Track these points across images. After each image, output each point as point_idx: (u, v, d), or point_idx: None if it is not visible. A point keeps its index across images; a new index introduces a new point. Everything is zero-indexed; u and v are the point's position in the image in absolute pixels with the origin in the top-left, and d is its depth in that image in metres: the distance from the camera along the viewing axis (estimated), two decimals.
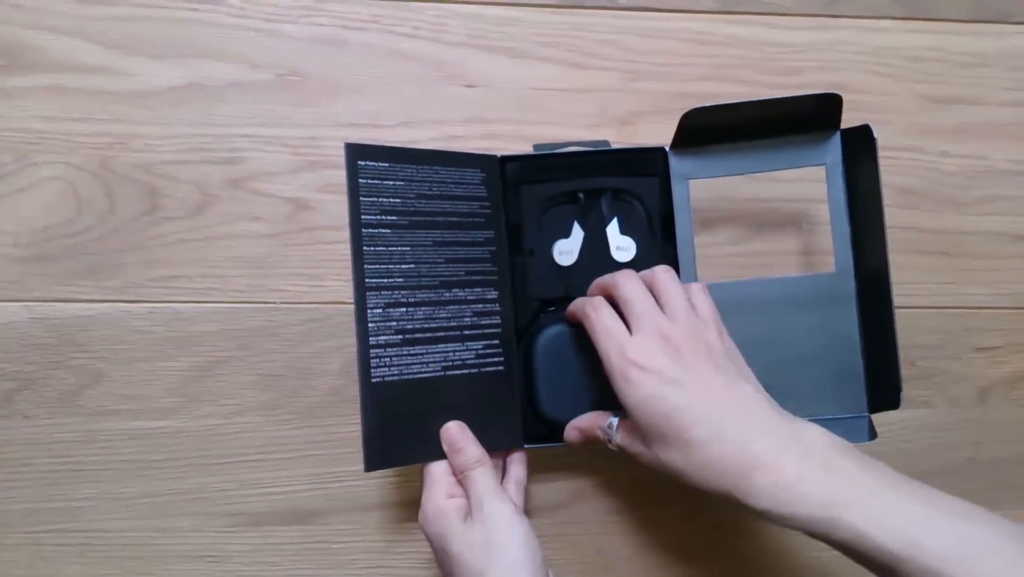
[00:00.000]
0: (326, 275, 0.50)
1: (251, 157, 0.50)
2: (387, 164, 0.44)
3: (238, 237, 0.49)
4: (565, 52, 0.52)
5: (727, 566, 0.52)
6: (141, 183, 0.49)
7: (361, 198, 0.43)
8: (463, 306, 0.45)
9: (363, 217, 0.43)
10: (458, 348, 0.45)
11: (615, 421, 0.43)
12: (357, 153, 0.43)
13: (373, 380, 0.42)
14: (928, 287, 0.53)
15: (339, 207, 0.50)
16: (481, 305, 0.46)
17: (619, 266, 0.47)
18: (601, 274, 0.44)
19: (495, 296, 0.47)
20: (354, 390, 0.49)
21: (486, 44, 0.52)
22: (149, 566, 0.49)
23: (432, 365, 0.44)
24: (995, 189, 0.54)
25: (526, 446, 0.47)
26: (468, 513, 0.42)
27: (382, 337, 0.43)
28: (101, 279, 0.49)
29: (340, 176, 0.49)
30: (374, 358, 0.43)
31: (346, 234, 0.49)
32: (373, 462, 0.43)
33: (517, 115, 0.52)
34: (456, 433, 0.44)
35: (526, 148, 0.51)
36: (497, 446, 0.45)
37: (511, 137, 0.51)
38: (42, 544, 0.48)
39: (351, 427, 0.49)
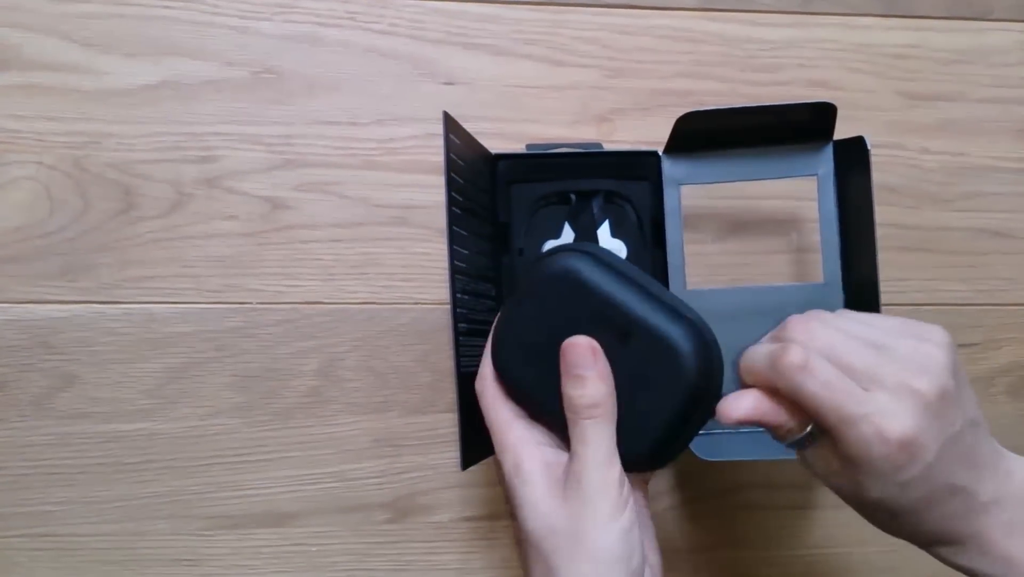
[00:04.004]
0: (303, 274, 0.49)
1: (226, 155, 0.49)
2: (460, 142, 0.42)
3: (213, 236, 0.49)
4: (545, 49, 0.52)
5: (720, 559, 0.51)
6: (115, 182, 0.48)
7: (452, 174, 0.40)
8: (484, 299, 0.44)
9: (452, 194, 0.40)
10: (481, 342, 0.43)
11: (816, 436, 0.34)
12: (450, 125, 0.40)
13: (461, 370, 0.39)
14: (908, 283, 0.53)
15: (315, 206, 0.49)
16: (489, 301, 0.45)
17: None
18: None
19: (494, 293, 0.46)
20: (331, 391, 0.49)
21: (465, 41, 0.51)
22: (125, 570, 0.48)
23: (475, 359, 0.41)
24: (975, 185, 0.54)
25: None
26: (558, 478, 0.34)
27: (462, 324, 0.40)
28: (74, 280, 0.48)
29: (315, 175, 0.49)
30: (462, 346, 0.40)
31: (322, 233, 0.49)
32: (469, 459, 0.40)
33: (497, 112, 0.51)
34: (584, 352, 0.35)
35: (506, 146, 0.50)
36: (484, 453, 0.44)
37: (491, 135, 0.51)
38: (15, 549, 0.47)
39: (329, 428, 0.49)
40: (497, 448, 0.37)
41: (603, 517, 0.33)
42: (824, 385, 0.32)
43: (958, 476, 0.33)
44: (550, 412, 0.37)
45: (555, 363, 0.36)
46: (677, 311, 0.35)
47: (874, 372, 0.32)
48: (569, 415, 0.35)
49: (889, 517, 0.34)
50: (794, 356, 0.33)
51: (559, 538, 0.33)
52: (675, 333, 0.35)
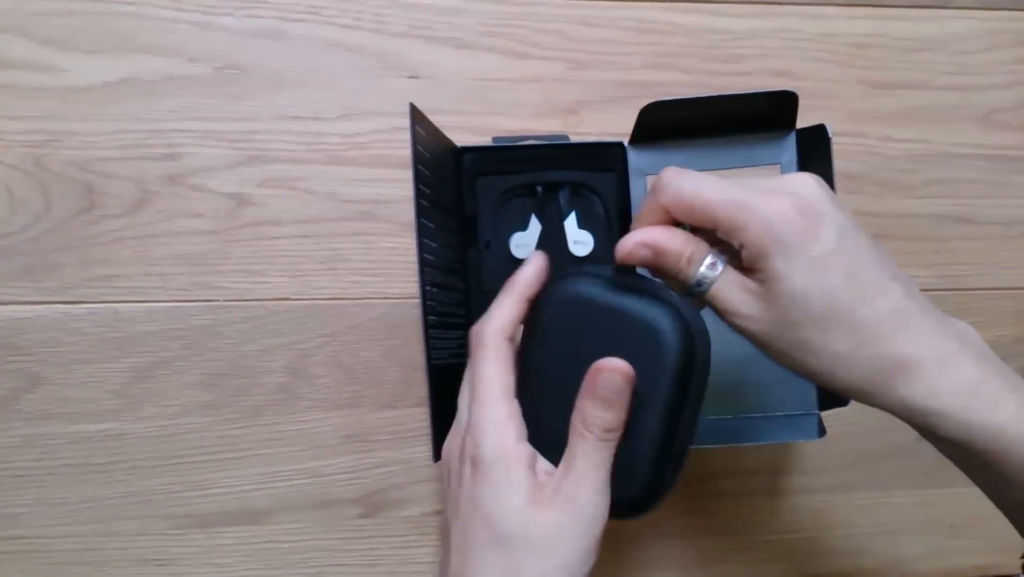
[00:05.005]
0: (269, 271, 0.49)
1: (189, 152, 0.49)
2: (426, 134, 0.41)
3: (178, 234, 0.48)
4: (508, 42, 0.52)
5: (692, 546, 0.52)
6: (77, 181, 0.48)
7: (419, 166, 0.39)
8: (452, 293, 0.44)
9: (420, 187, 0.39)
10: (450, 335, 0.43)
11: (720, 262, 0.34)
12: (416, 117, 0.40)
13: (432, 362, 0.39)
14: None
15: (281, 202, 0.49)
16: (457, 294, 0.45)
17: (576, 260, 0.47)
18: (558, 267, 0.39)
19: (462, 286, 0.46)
20: (300, 388, 0.49)
21: (429, 35, 0.51)
22: (94, 572, 0.48)
23: (444, 352, 0.42)
24: (938, 172, 0.55)
25: None
26: (540, 485, 0.33)
27: (431, 316, 0.40)
28: (38, 280, 0.47)
29: (281, 170, 0.49)
30: (432, 339, 0.39)
31: (289, 229, 0.49)
32: (441, 451, 0.39)
33: (462, 106, 0.51)
34: (621, 380, 0.33)
35: (471, 139, 0.50)
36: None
37: (456, 128, 0.50)
38: None
39: (299, 424, 0.49)
40: (477, 413, 0.35)
41: (594, 539, 0.32)
42: (703, 182, 0.33)
43: (881, 273, 0.32)
44: (543, 405, 0.35)
45: (587, 362, 0.34)
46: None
47: (748, 183, 0.33)
48: (580, 428, 0.33)
49: (822, 330, 0.31)
50: (668, 170, 0.34)
51: (536, 547, 0.32)
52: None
